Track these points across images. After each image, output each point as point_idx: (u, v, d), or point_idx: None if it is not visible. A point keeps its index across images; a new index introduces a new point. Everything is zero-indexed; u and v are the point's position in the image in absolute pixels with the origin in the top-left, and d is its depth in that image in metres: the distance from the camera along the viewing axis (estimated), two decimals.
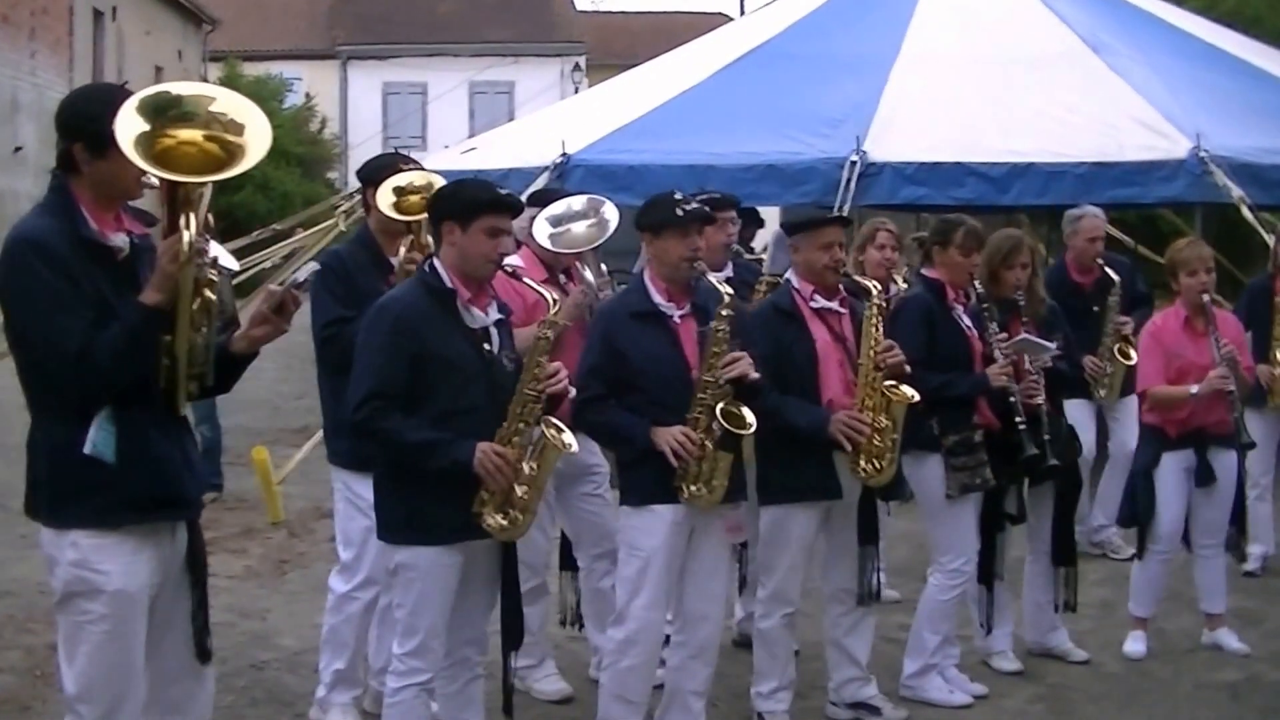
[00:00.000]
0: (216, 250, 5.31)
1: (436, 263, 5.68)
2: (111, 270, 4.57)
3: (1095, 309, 9.87)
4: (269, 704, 7.39)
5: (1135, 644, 8.20)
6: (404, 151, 7.94)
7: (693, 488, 6.22)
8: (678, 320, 6.36)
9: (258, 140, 4.39)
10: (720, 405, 6.19)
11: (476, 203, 5.65)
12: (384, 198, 6.67)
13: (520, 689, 7.36)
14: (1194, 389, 7.80)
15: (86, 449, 4.55)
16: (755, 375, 6.24)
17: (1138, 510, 8.19)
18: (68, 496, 4.63)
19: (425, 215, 6.31)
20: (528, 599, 7.14)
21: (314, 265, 5.27)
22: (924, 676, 7.45)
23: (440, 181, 6.60)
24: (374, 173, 6.92)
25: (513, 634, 5.82)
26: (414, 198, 6.58)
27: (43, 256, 4.49)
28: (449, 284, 5.62)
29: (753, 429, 6.24)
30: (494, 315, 5.73)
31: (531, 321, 6.48)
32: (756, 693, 7.06)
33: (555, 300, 5.76)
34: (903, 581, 8.86)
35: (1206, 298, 7.90)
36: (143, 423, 4.61)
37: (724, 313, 6.24)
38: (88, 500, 4.60)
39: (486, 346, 5.64)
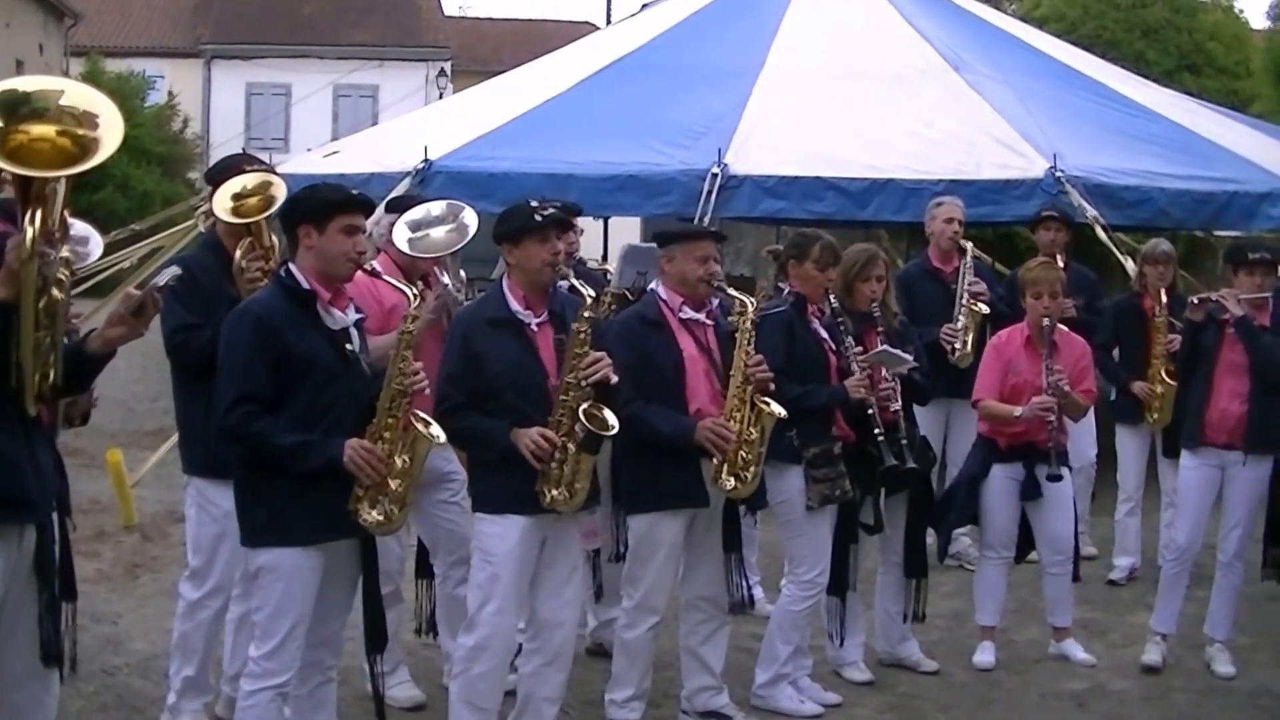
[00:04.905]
0: (89, 237, 5.25)
1: (292, 268, 5.67)
2: None
3: (954, 291, 9.96)
4: (119, 709, 7.28)
5: (984, 654, 8.32)
6: (266, 153, 7.83)
7: (554, 492, 6.21)
8: (535, 328, 6.37)
9: (110, 133, 4.35)
10: (583, 407, 6.20)
11: (331, 203, 5.69)
12: (220, 204, 6.55)
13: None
14: (1018, 411, 7.97)
15: None
16: (615, 379, 6.26)
17: (951, 517, 8.46)
18: None
19: (263, 216, 6.33)
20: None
21: (175, 270, 5.23)
22: (775, 686, 7.50)
23: (274, 179, 6.56)
24: (219, 174, 6.77)
25: (375, 637, 5.79)
26: (252, 200, 6.47)
27: None
28: (307, 286, 5.61)
29: (615, 430, 6.25)
30: (353, 316, 5.75)
31: (388, 326, 6.53)
32: (610, 700, 7.06)
33: (417, 295, 5.78)
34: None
35: (1047, 322, 8.04)
36: None
37: (586, 314, 6.28)
38: None
39: (349, 347, 5.67)
